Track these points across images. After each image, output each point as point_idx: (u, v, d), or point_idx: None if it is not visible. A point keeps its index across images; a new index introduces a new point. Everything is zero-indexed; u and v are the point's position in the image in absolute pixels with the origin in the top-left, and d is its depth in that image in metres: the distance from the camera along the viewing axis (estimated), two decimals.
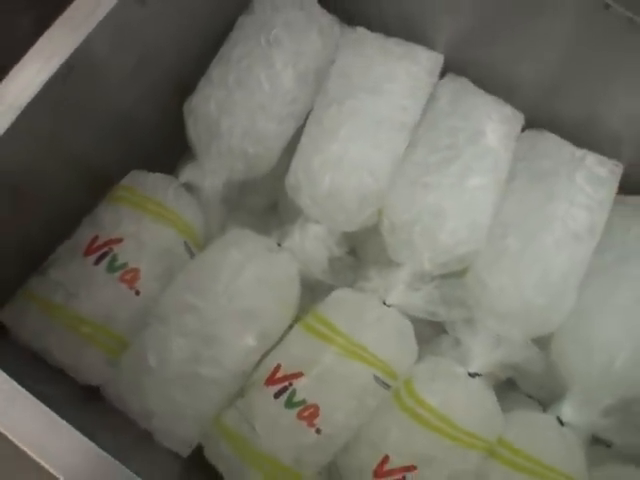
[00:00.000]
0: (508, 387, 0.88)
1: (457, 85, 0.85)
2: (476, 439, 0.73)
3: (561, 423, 0.78)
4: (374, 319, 0.76)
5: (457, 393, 0.76)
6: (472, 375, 0.78)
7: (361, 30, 0.85)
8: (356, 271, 0.84)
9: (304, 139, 0.81)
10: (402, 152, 0.81)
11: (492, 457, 0.75)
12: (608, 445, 0.82)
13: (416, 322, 0.79)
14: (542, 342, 0.79)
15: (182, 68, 0.84)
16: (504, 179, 0.82)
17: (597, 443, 0.81)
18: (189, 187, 0.84)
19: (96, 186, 0.81)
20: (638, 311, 0.77)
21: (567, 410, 0.78)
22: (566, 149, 0.82)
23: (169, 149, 0.87)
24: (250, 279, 0.76)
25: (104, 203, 0.81)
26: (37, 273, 0.76)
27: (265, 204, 0.95)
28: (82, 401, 0.75)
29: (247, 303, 0.75)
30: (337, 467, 0.75)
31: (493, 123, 0.82)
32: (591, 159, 0.82)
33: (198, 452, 0.76)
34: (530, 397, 0.89)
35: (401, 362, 0.77)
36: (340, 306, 0.77)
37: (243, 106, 0.81)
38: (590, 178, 0.81)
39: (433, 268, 0.79)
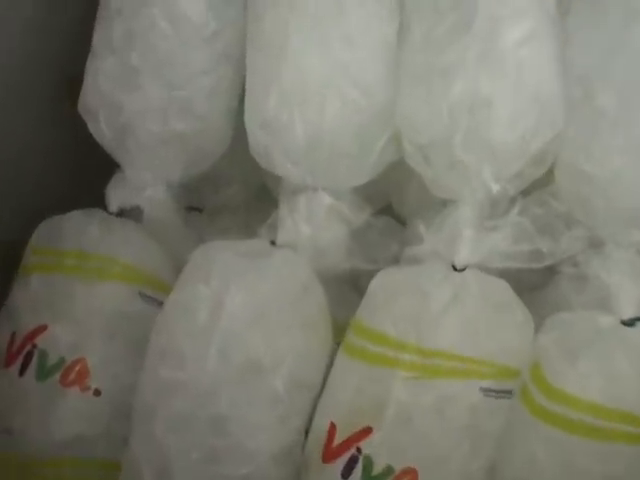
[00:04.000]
0: None
1: None
2: None
3: None
4: (447, 301, 0.48)
5: (619, 360, 0.47)
6: (630, 323, 0.48)
7: None
8: (399, 236, 0.55)
9: (249, 80, 0.54)
10: (393, 40, 0.52)
11: None
12: None
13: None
14: None
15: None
16: (554, 14, 0.52)
17: None
18: (126, 212, 0.58)
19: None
20: None
21: None
22: None
23: (92, 173, 0.61)
24: (241, 312, 0.49)
25: (15, 283, 0.55)
26: None
27: (248, 195, 0.67)
28: None
29: (248, 351, 0.48)
30: None
31: None
32: None
33: None
34: None
35: (516, 345, 0.49)
36: (391, 301, 0.49)
37: (146, 68, 0.54)
38: None
39: (504, 188, 0.50)
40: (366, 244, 0.54)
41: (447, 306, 0.48)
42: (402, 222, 0.62)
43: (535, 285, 0.56)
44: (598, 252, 0.49)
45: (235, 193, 0.67)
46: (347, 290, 0.59)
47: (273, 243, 0.53)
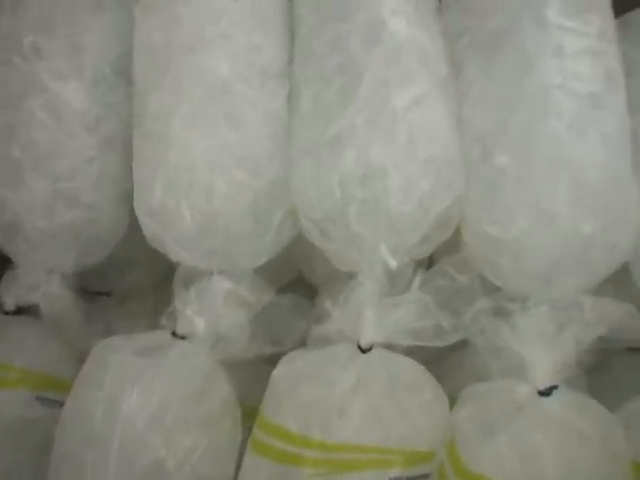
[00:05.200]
0: None
1: None
2: None
3: None
4: (350, 387, 0.45)
5: (536, 436, 0.44)
6: (546, 392, 0.46)
7: None
8: (307, 313, 0.53)
9: (135, 166, 0.52)
10: (282, 112, 0.50)
11: None
12: None
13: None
14: None
15: None
16: (446, 72, 0.50)
17: None
18: (24, 309, 0.56)
19: None
20: None
21: None
22: None
23: None
24: (139, 415, 0.46)
25: None
26: None
27: (155, 277, 0.64)
28: None
29: (150, 454, 0.45)
30: None
31: (391, 3, 0.50)
32: None
33: None
34: None
35: (426, 426, 0.46)
36: (292, 392, 0.47)
37: (28, 161, 0.52)
38: (569, 8, 0.49)
39: (404, 258, 0.48)
40: (271, 326, 0.51)
41: (350, 393, 0.45)
42: (315, 292, 0.59)
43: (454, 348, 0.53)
44: (506, 321, 0.46)
45: (142, 276, 0.63)
46: (266, 369, 0.56)
47: (175, 334, 0.51)
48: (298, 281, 0.60)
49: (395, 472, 0.44)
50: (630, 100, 0.50)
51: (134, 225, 0.56)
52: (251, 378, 0.51)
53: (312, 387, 0.46)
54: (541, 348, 0.46)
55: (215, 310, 0.49)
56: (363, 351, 0.47)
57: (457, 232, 0.50)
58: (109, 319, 0.58)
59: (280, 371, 0.47)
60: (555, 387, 0.46)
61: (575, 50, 0.49)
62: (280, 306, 0.52)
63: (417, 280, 0.47)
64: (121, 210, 0.55)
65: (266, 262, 0.52)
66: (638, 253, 0.50)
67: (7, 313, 0.55)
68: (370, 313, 0.47)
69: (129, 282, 0.63)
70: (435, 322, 0.46)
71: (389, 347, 0.48)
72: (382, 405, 0.45)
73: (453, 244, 0.51)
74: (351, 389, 0.45)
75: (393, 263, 0.47)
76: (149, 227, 0.50)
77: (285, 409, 0.46)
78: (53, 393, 0.52)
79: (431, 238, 0.49)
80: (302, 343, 0.51)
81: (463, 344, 0.50)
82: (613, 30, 0.51)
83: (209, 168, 0.48)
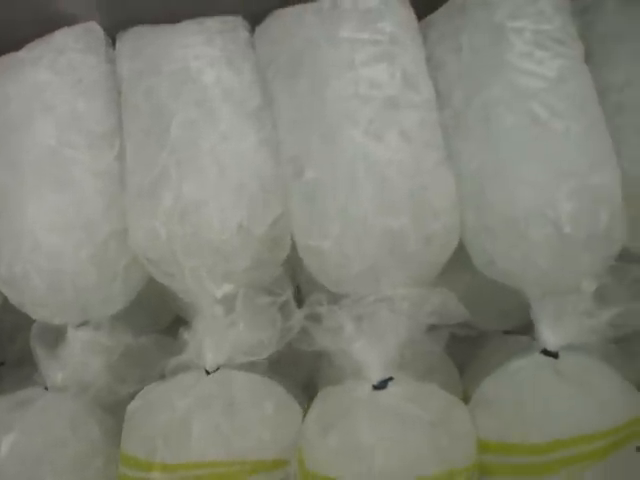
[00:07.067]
0: None
1: (133, 42, 0.57)
2: None
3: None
4: (192, 409, 0.48)
5: (366, 431, 0.46)
6: (380, 386, 0.48)
7: None
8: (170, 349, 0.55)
9: None
10: (113, 168, 0.54)
11: None
12: None
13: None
14: None
15: None
16: (257, 103, 0.53)
17: None
18: None
19: None
20: None
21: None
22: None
23: None
24: (8, 469, 0.50)
25: None
26: None
27: None
28: None
29: None
30: None
31: (193, 49, 0.54)
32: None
33: None
34: None
35: (269, 437, 0.48)
36: (141, 422, 0.50)
37: None
38: (360, 23, 0.52)
39: (239, 283, 0.51)
40: (135, 366, 0.54)
41: (189, 415, 0.48)
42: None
43: None
44: (323, 326, 0.49)
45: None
46: None
47: (46, 388, 0.54)
48: None
49: None
50: (438, 94, 0.53)
51: None
52: None
53: (157, 415, 0.49)
54: (368, 345, 0.48)
55: (74, 360, 0.53)
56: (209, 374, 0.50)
57: None
58: (4, 388, 0.60)
59: (134, 405, 0.50)
60: (390, 379, 0.48)
61: (368, 59, 0.51)
62: (143, 346, 0.55)
63: (240, 299, 0.50)
64: None
65: (137, 307, 0.56)
66: (476, 238, 0.52)
67: None
68: (208, 339, 0.50)
69: (20, 348, 0.66)
70: (259, 338, 0.49)
71: (250, 366, 0.51)
72: (221, 422, 0.47)
73: None
74: (189, 411, 0.48)
75: (219, 292, 0.50)
76: (7, 293, 0.54)
77: (135, 439, 0.49)
78: None
79: (265, 260, 0.52)
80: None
81: None
82: (412, 33, 0.54)
83: (47, 231, 0.52)
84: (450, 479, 0.45)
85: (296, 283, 0.57)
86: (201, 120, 0.52)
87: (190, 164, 0.51)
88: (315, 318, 0.48)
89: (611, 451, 0.46)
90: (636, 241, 0.51)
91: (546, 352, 0.50)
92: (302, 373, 0.59)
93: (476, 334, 0.58)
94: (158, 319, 0.60)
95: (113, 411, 0.53)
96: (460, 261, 0.52)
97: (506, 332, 0.61)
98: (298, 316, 0.49)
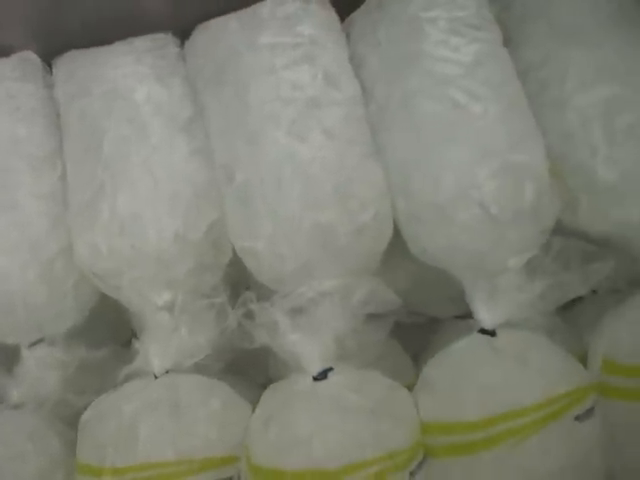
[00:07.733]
0: None
1: (67, 66, 0.59)
2: None
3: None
4: (138, 413, 0.50)
5: (305, 418, 0.47)
6: (320, 377, 0.49)
7: None
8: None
9: None
10: (57, 189, 0.56)
11: None
12: None
13: None
14: None
15: None
16: (189, 114, 0.56)
17: None
18: None
19: None
20: None
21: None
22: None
23: None
24: None
25: None
26: None
27: None
28: None
29: None
30: None
31: (123, 69, 0.56)
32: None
33: None
34: None
35: (217, 433, 0.50)
36: (93, 430, 0.51)
37: None
38: (279, 28, 0.54)
39: (184, 290, 0.52)
40: (93, 378, 0.56)
41: (135, 420, 0.49)
42: None
43: None
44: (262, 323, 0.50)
45: None
46: None
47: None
48: None
49: None
50: (363, 90, 0.54)
51: None
52: None
53: (107, 422, 0.50)
54: (304, 337, 0.49)
55: (30, 377, 0.54)
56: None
57: None
58: None
59: (86, 415, 0.52)
60: (330, 369, 0.49)
61: (289, 62, 0.53)
62: (101, 358, 0.57)
63: (179, 307, 0.51)
64: None
65: (97, 321, 0.58)
66: (408, 226, 0.53)
67: None
68: (154, 345, 0.52)
69: None
70: (200, 340, 0.50)
71: (203, 368, 0.53)
72: (167, 423, 0.49)
73: None
74: (136, 415, 0.49)
75: (159, 299, 0.52)
76: None
77: (88, 448, 0.51)
78: None
79: (208, 264, 0.53)
80: None
81: None
82: (333, 34, 0.56)
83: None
84: (390, 460, 0.46)
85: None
86: (133, 135, 0.54)
87: (124, 178, 0.53)
88: (249, 316, 0.49)
89: (549, 421, 0.47)
90: (567, 214, 0.52)
91: (484, 331, 0.51)
92: (261, 374, 0.60)
93: (424, 320, 0.60)
94: (118, 332, 0.62)
95: (73, 423, 0.54)
96: (405, 249, 0.54)
97: (457, 317, 0.62)
98: (232, 316, 0.50)
